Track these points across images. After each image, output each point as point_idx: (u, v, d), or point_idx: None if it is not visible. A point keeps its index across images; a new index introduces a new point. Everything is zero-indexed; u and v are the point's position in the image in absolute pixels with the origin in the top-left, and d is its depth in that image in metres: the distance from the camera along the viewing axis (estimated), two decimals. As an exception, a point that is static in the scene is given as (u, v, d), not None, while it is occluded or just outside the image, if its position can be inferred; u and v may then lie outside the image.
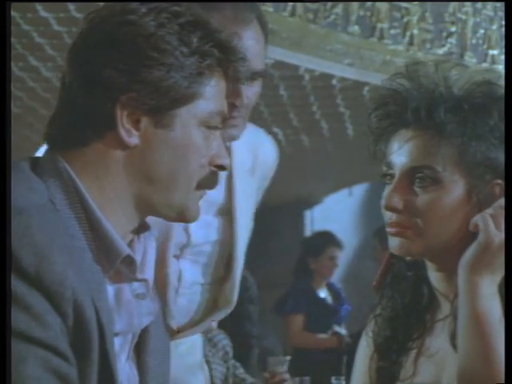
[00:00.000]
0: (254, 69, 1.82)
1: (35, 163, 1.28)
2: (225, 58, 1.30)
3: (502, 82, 1.55)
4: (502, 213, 1.45)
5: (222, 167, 1.33)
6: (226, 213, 1.99)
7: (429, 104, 1.51)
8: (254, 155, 2.07)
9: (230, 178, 1.99)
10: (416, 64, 1.56)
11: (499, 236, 1.43)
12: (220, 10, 1.78)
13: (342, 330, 5.69)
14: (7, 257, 1.12)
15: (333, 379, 3.41)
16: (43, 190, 1.23)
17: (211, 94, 1.29)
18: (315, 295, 6.01)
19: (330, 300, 6.08)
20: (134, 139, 1.25)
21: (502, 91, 1.53)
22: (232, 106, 1.77)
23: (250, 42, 1.82)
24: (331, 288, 6.14)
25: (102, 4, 1.33)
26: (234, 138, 1.88)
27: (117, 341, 1.27)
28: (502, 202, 1.47)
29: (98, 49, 1.25)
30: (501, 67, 6.12)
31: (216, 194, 1.94)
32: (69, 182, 1.25)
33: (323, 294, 6.05)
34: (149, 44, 1.24)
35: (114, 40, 1.24)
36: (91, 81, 1.24)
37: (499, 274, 1.45)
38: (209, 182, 1.33)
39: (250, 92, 1.84)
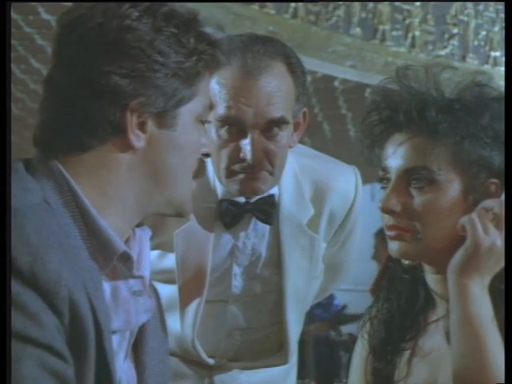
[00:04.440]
0: (272, 114, 1.81)
1: (28, 164, 1.28)
2: (213, 53, 1.32)
3: (493, 84, 1.55)
4: (488, 216, 1.46)
5: (206, 155, 1.37)
6: (276, 264, 2.01)
7: (420, 105, 1.51)
8: (320, 205, 2.02)
9: (277, 231, 1.99)
10: (406, 68, 1.56)
11: (487, 240, 1.44)
12: (231, 62, 1.74)
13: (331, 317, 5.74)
14: (7, 260, 1.13)
15: (334, 382, 3.42)
16: (38, 190, 1.23)
17: (203, 89, 1.32)
18: None
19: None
20: (141, 142, 1.27)
21: (494, 93, 1.54)
22: (252, 161, 1.82)
23: (266, 89, 1.80)
24: None
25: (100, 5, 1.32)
26: (256, 192, 1.90)
27: (114, 339, 1.27)
28: (486, 204, 1.47)
29: (99, 55, 1.24)
30: (502, 69, 6.11)
31: (262, 249, 1.99)
32: (62, 182, 1.25)
33: None
34: (153, 48, 1.25)
35: (117, 46, 1.24)
36: (96, 87, 1.24)
37: (488, 276, 1.45)
38: (199, 172, 1.37)
39: (277, 147, 1.84)
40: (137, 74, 1.24)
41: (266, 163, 1.85)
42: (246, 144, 1.82)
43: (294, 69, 1.87)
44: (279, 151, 1.86)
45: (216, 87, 1.81)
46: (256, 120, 1.81)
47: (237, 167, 1.85)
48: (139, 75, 1.24)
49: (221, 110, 1.81)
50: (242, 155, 1.82)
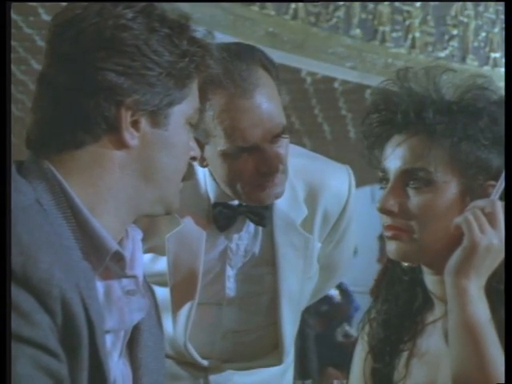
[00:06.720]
0: (277, 128, 1.82)
1: (20, 166, 1.29)
2: (203, 56, 1.33)
3: (493, 87, 1.55)
4: (482, 215, 1.45)
5: (194, 158, 1.39)
6: (270, 264, 2.01)
7: (418, 106, 1.51)
8: (313, 205, 2.02)
9: (270, 232, 1.99)
10: (406, 70, 1.56)
11: (484, 239, 1.43)
12: (224, 87, 1.75)
13: (352, 330, 5.72)
14: (7, 262, 1.13)
15: (335, 382, 3.40)
16: (30, 192, 1.24)
17: (193, 92, 1.34)
18: None
19: (338, 299, 6.10)
20: (134, 140, 1.28)
21: (494, 96, 1.54)
22: (273, 170, 1.82)
23: (264, 104, 1.80)
24: (340, 286, 6.15)
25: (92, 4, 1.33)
26: (278, 196, 1.89)
27: (108, 338, 1.28)
28: (477, 203, 1.47)
29: (94, 52, 1.25)
30: (502, 70, 6.12)
31: (255, 250, 1.99)
32: (54, 183, 1.26)
33: (331, 291, 6.06)
34: (148, 47, 1.27)
35: (113, 44, 1.26)
36: (91, 84, 1.25)
37: (485, 277, 1.45)
38: (187, 174, 1.39)
39: (284, 149, 1.85)
40: (132, 72, 1.26)
41: (280, 166, 1.85)
42: (264, 158, 1.81)
43: (268, 67, 1.85)
44: (285, 151, 1.87)
45: (211, 114, 1.78)
46: (264, 136, 1.81)
47: (259, 180, 1.84)
48: (134, 73, 1.26)
49: (231, 141, 1.79)
50: (261, 168, 1.82)
